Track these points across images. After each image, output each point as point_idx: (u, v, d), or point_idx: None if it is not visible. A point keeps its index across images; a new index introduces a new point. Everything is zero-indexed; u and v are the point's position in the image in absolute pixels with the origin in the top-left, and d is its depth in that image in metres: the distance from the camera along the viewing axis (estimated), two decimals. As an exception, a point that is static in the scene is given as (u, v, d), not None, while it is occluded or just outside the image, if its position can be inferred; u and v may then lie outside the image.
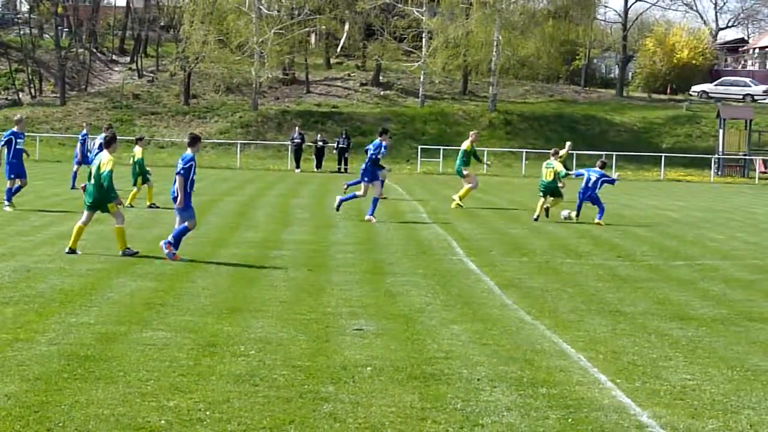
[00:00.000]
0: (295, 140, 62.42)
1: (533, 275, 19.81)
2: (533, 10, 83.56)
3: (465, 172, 35.59)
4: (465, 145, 36.16)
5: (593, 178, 31.09)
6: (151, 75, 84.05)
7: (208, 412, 9.69)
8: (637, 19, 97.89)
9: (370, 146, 30.30)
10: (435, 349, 12.76)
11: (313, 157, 62.84)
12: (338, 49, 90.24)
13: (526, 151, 67.21)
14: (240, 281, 17.84)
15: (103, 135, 26.59)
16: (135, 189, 31.68)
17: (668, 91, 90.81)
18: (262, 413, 9.71)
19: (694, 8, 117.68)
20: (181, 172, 19.73)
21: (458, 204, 35.14)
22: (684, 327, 15.05)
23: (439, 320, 14.81)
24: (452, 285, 18.24)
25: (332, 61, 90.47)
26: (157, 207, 30.79)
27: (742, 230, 30.59)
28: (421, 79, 79.69)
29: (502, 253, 23.00)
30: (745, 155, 68.49)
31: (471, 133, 38.18)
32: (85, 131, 40.85)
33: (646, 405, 10.48)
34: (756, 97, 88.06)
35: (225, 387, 10.60)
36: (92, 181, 20.25)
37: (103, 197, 20.22)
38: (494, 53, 77.18)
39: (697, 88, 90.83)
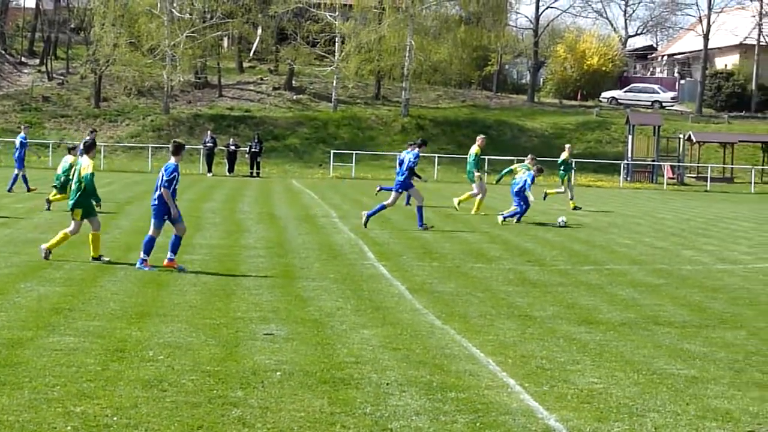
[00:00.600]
0: (207, 144, 62.08)
1: (444, 280, 19.89)
2: (446, 16, 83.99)
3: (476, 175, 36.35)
4: (474, 149, 37.11)
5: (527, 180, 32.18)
6: (62, 77, 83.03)
7: (115, 418, 9.59)
8: (548, 25, 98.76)
9: (405, 156, 30.99)
10: (345, 354, 12.76)
11: (225, 161, 62.53)
12: (251, 53, 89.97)
13: (439, 156, 67.47)
14: (150, 286, 17.70)
15: (86, 139, 27.22)
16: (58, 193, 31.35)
17: (579, 97, 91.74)
18: (170, 419, 9.64)
19: (604, 15, 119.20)
20: (165, 185, 19.56)
21: (455, 207, 36.40)
22: (592, 331, 15.20)
23: (349, 325, 14.81)
24: (363, 289, 18.26)
25: (245, 65, 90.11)
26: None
27: (649, 235, 30.96)
28: (334, 84, 79.69)
29: (413, 258, 23.06)
30: (653, 161, 69.41)
31: (478, 137, 38.59)
32: (23, 134, 41.54)
33: (553, 409, 10.57)
34: (664, 104, 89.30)
35: (133, 392, 10.51)
36: (74, 186, 20.29)
37: (87, 200, 20.24)
38: (407, 58, 77.43)
39: (606, 94, 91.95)
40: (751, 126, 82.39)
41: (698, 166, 71.67)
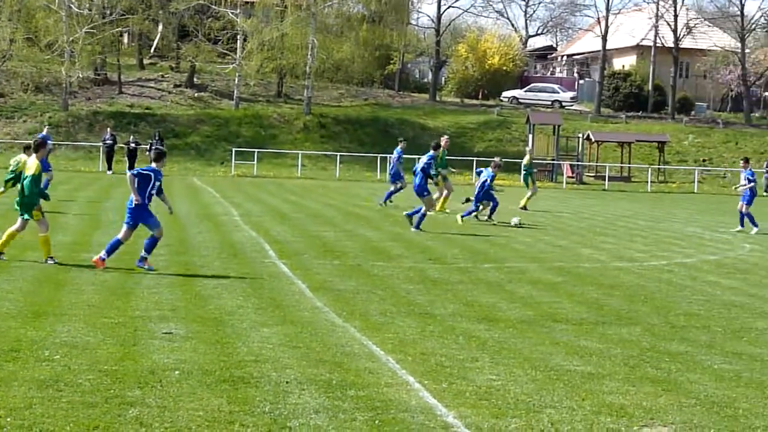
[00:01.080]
0: (107, 141, 61.44)
1: (345, 278, 19.92)
2: (348, 14, 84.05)
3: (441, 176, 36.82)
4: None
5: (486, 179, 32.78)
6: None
7: (9, 419, 9.46)
8: (450, 24, 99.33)
9: (419, 161, 31.70)
10: (245, 353, 12.72)
11: (126, 158, 61.91)
12: (152, 50, 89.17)
13: (341, 155, 67.53)
14: (46, 284, 17.48)
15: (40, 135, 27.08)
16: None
17: (480, 96, 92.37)
18: (65, 419, 9.53)
19: (505, 16, 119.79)
20: (134, 173, 19.89)
21: (442, 211, 36.52)
22: (491, 328, 15.33)
23: (249, 323, 14.77)
24: (264, 288, 18.21)
25: (145, 61, 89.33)
26: None
27: (549, 233, 31.30)
28: (236, 82, 79.32)
29: (314, 256, 23.05)
30: (553, 160, 70.14)
31: (443, 137, 39.06)
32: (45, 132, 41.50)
33: (452, 405, 10.64)
34: (564, 104, 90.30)
35: (28, 393, 10.37)
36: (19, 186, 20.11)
37: (28, 202, 19.89)
38: (309, 56, 77.35)
39: (507, 93, 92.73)
40: (648, 126, 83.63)
41: (597, 165, 72.55)
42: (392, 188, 39.25)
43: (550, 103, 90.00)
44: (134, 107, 77.25)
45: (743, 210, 34.99)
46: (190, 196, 41.78)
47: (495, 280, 20.62)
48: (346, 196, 45.86)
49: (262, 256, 22.90)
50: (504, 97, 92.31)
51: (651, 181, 69.23)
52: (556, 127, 72.00)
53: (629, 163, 73.55)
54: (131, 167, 60.48)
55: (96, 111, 75.75)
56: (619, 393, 11.48)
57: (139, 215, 19.67)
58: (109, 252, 19.72)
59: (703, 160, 77.79)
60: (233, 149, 66.81)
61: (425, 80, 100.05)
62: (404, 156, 39.36)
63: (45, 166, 37.48)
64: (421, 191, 30.69)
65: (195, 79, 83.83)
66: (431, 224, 31.55)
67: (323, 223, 31.27)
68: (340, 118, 79.25)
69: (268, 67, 79.79)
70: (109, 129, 64.29)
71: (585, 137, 73.15)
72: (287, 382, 11.27)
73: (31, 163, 19.83)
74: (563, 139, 73.28)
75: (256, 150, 65.78)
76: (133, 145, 61.61)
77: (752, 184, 35.46)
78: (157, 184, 19.86)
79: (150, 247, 19.76)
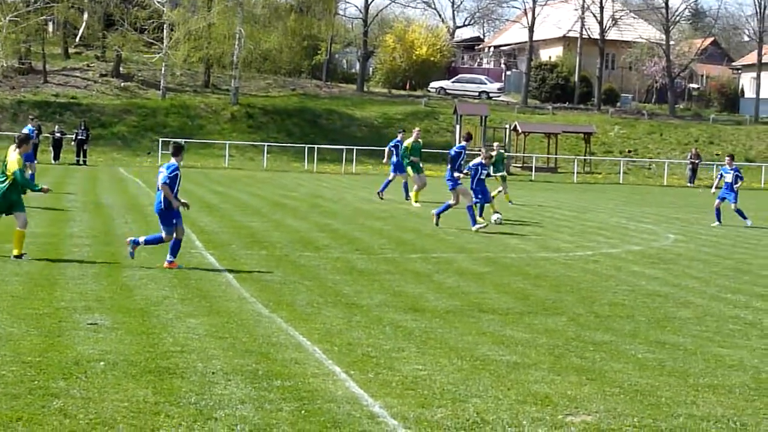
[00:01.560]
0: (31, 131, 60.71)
1: (272, 269, 19.88)
2: (276, 4, 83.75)
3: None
4: (407, 141, 38.00)
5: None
6: None
7: (-70, 412, 9.35)
8: (377, 15, 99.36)
9: (452, 151, 31.19)
10: (171, 343, 12.66)
11: (51, 148, 61.29)
12: (77, 39, 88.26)
13: (268, 145, 67.32)
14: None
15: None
16: None
17: (407, 86, 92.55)
18: (-12, 411, 9.44)
19: (433, 6, 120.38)
20: (167, 181, 19.12)
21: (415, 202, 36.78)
22: (418, 319, 15.38)
23: (175, 314, 14.70)
24: (190, 278, 18.13)
25: (71, 50, 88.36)
26: None
27: (476, 224, 31.38)
28: (163, 71, 78.77)
29: (241, 247, 22.99)
30: (480, 151, 70.35)
31: (414, 130, 39.51)
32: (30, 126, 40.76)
33: (378, 395, 10.66)
34: (491, 95, 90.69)
35: (-50, 385, 10.26)
36: None
37: (13, 197, 19.61)
38: (236, 46, 77.01)
39: (435, 84, 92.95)
40: (574, 117, 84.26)
41: (524, 156, 72.96)
42: (390, 178, 39.40)
43: (477, 94, 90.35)
44: (59, 96, 76.42)
45: (735, 207, 34.63)
46: (117, 187, 41.46)
47: (422, 271, 20.68)
48: (273, 187, 45.74)
49: (189, 246, 22.75)
50: (431, 88, 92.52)
51: (577, 172, 69.76)
52: (483, 117, 72.32)
53: (556, 154, 74.07)
54: (56, 158, 59.98)
55: (20, 100, 74.84)
56: (544, 382, 11.58)
57: (171, 215, 19.31)
58: (174, 253, 19.32)
59: (629, 151, 78.52)
60: (160, 139, 66.26)
61: (353, 71, 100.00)
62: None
63: (30, 159, 37.30)
64: (453, 183, 29.96)
65: (121, 69, 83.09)
66: (364, 214, 31.61)
67: (250, 214, 31.18)
68: (267, 108, 78.98)
69: (195, 57, 79.30)
70: (34, 119, 63.48)
71: (512, 128, 73.56)
72: (213, 373, 11.24)
73: (12, 159, 19.57)
74: (490, 130, 73.59)
75: (183, 140, 65.31)
76: (58, 135, 61.01)
77: (740, 182, 34.99)
78: (178, 175, 19.61)
79: (175, 249, 19.32)
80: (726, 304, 18.19)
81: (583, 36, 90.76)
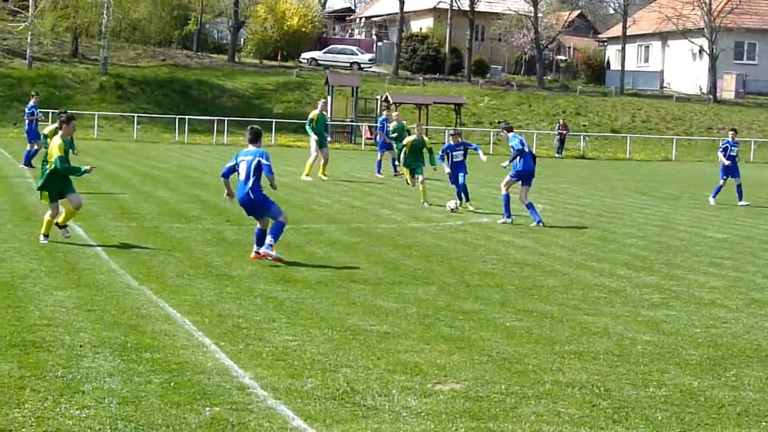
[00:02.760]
0: None
1: (141, 240, 19.69)
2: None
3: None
4: (312, 113, 37.79)
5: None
6: None
7: None
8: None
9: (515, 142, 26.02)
10: (37, 317, 12.49)
11: None
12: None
13: (138, 116, 66.47)
14: None
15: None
16: None
17: (279, 57, 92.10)
18: None
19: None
20: (269, 171, 17.83)
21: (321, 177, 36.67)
22: (288, 289, 15.39)
23: (42, 287, 14.49)
24: (58, 251, 17.88)
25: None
26: None
27: (347, 195, 31.50)
28: (29, 40, 77.15)
29: (110, 219, 22.72)
30: (351, 122, 70.44)
31: (319, 101, 39.85)
32: (32, 102, 39.51)
33: (248, 366, 10.65)
34: (362, 65, 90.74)
35: None
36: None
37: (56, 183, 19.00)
38: (105, 15, 75.77)
39: (306, 55, 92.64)
40: (445, 88, 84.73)
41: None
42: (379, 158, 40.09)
43: (348, 64, 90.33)
44: None
45: (737, 183, 34.64)
46: (-19, 158, 40.58)
47: (293, 242, 20.65)
48: (143, 158, 45.24)
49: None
50: (303, 59, 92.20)
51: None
52: (355, 88, 72.29)
53: (427, 125, 74.42)
54: None
55: None
56: (414, 351, 11.68)
57: (268, 201, 18.11)
58: (276, 237, 17.84)
59: (498, 122, 79.25)
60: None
61: (224, 41, 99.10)
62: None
63: (35, 136, 36.06)
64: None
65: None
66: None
67: (120, 185, 30.81)
68: (137, 78, 77.95)
69: (62, 26, 77.84)
70: (33, 94, 61.99)
71: (383, 99, 73.72)
72: (81, 346, 11.11)
73: (54, 144, 18.89)
74: (362, 101, 73.66)
75: (51, 110, 64.15)
76: None
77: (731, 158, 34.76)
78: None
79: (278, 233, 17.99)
80: (591, 273, 18.53)
81: (453, 7, 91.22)
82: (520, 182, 25.72)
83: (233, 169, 18.04)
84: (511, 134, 26.27)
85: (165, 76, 79.32)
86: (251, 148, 18.08)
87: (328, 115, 69.02)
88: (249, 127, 18.59)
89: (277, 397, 9.61)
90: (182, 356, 10.92)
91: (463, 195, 29.17)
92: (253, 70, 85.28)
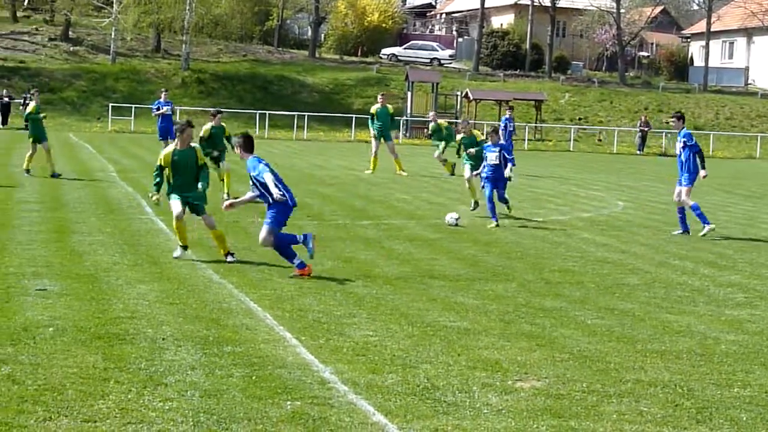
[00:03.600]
0: (-21, 95, 60.15)
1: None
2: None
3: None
4: (373, 108, 37.44)
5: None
6: None
7: None
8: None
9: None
10: (120, 309, 12.61)
11: (-2, 113, 60.76)
12: (25, 3, 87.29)
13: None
14: None
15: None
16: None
17: (359, 53, 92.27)
18: (-64, 377, 9.36)
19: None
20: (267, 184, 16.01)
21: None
22: (369, 285, 15.39)
23: (125, 280, 14.64)
24: (141, 244, 18.06)
25: (19, 14, 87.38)
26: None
27: (426, 191, 31.47)
28: (113, 36, 78.03)
29: (190, 213, 22.83)
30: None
31: (379, 96, 38.79)
32: (161, 99, 39.46)
33: (329, 361, 10.67)
34: (442, 62, 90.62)
35: None
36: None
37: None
38: (187, 11, 76.41)
39: (387, 51, 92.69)
40: (525, 84, 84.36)
41: (474, 123, 72.91)
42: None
43: (428, 60, 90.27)
44: (7, 61, 75.56)
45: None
46: (66, 152, 41.10)
47: (373, 237, 20.69)
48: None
49: (139, 212, 22.69)
50: (383, 55, 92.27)
51: (528, 139, 69.87)
52: (435, 84, 72.22)
53: (507, 122, 74.13)
54: (4, 122, 59.43)
55: (-33, 64, 74.00)
56: (494, 348, 11.63)
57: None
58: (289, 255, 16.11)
59: (579, 119, 78.78)
60: (110, 105, 65.82)
61: (305, 37, 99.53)
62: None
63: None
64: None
65: (70, 33, 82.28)
66: (314, 180, 31.55)
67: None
68: (218, 74, 78.53)
69: (146, 22, 78.69)
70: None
71: (463, 95, 73.57)
72: (163, 339, 11.21)
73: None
74: (442, 97, 73.57)
75: (133, 105, 64.85)
76: (6, 99, 60.45)
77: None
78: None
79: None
80: (674, 271, 18.33)
81: (535, 3, 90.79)
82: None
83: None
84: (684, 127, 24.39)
85: (246, 72, 79.81)
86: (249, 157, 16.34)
87: (408, 111, 69.13)
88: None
89: (358, 392, 9.62)
90: (263, 350, 10.97)
91: (504, 205, 25.10)
92: (333, 66, 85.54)
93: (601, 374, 10.72)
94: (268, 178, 15.89)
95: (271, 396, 9.32)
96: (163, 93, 40.78)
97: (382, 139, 36.79)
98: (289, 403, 9.13)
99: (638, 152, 67.60)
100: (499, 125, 40.49)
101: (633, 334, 12.82)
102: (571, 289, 16.07)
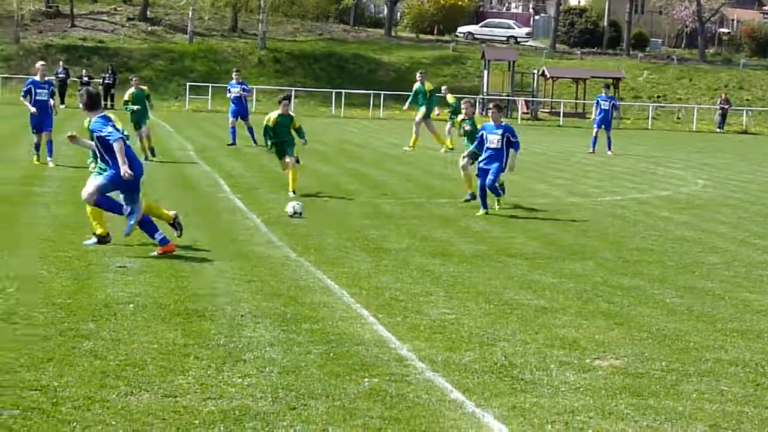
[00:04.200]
0: (60, 75, 60.83)
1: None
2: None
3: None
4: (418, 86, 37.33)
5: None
6: None
7: (-39, 352, 9.43)
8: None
9: None
10: (199, 286, 12.71)
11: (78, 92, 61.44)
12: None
13: (295, 90, 67.16)
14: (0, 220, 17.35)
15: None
16: None
17: (435, 31, 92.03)
18: (20, 351, 9.49)
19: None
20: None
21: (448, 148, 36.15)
22: (445, 263, 15.37)
23: (203, 257, 14.74)
24: (218, 222, 18.20)
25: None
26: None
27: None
28: (190, 15, 78.54)
29: (268, 191, 23.02)
30: (508, 96, 70.05)
31: (419, 73, 38.50)
32: (234, 80, 37.60)
33: (406, 339, 10.69)
34: (519, 40, 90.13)
35: (-19, 326, 10.33)
36: None
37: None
38: (264, -10, 76.68)
39: (463, 29, 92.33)
40: (602, 62, 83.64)
41: (551, 101, 72.57)
42: None
43: (505, 38, 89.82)
44: (87, 41, 76.37)
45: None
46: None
47: (449, 216, 20.66)
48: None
49: (217, 190, 22.86)
50: (459, 33, 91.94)
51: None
52: (511, 63, 71.86)
53: (584, 99, 73.63)
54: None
55: (48, 44, 74.86)
56: (571, 326, 11.58)
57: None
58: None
59: (657, 97, 77.97)
60: (187, 84, 66.29)
61: (381, 15, 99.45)
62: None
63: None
64: None
65: (148, 13, 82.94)
66: (391, 158, 31.56)
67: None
68: (294, 53, 78.77)
69: (223, 1, 79.06)
70: (61, 62, 63.66)
71: (540, 73, 73.14)
72: (242, 316, 11.28)
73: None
74: (518, 75, 73.22)
75: (210, 85, 65.25)
76: (85, 79, 61.10)
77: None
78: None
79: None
80: (754, 249, 18.12)
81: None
82: None
83: None
84: None
85: (322, 51, 79.98)
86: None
87: (484, 90, 68.88)
88: None
89: (435, 369, 9.62)
90: (341, 327, 11.01)
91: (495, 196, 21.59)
92: (409, 45, 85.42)
93: (681, 353, 10.63)
94: (118, 149, 14.51)
95: (348, 373, 9.35)
96: (235, 73, 39.39)
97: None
98: (366, 379, 9.16)
99: (718, 130, 66.82)
100: (594, 103, 40.52)
101: (713, 313, 12.69)
102: (650, 267, 15.94)
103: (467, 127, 23.35)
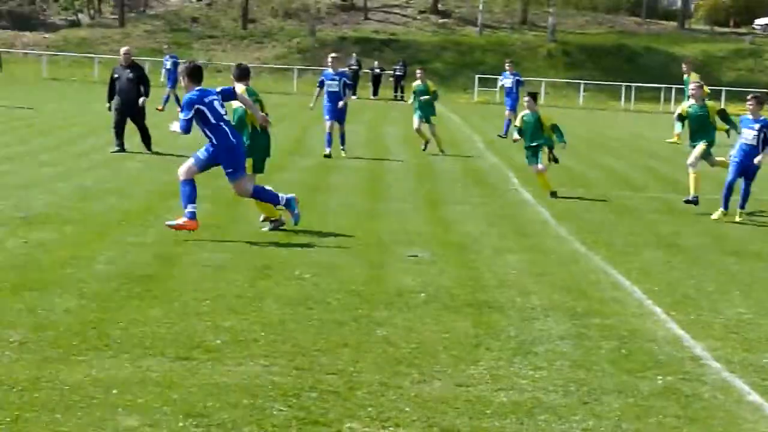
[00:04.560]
0: (352, 67, 62.28)
1: (589, 207, 19.72)
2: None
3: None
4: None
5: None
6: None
7: (263, 333, 9.76)
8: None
9: None
10: (489, 278, 12.76)
11: (370, 84, 62.74)
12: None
13: (584, 83, 66.63)
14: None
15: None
16: None
17: (731, 23, 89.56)
18: (317, 335, 9.77)
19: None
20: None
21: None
22: (740, 262, 14.93)
23: (493, 249, 14.79)
24: (508, 215, 18.21)
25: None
26: None
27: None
28: (480, 8, 79.03)
29: (558, 185, 22.86)
30: (807, 91, 67.51)
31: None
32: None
33: (700, 338, 10.43)
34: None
35: (280, 309, 10.66)
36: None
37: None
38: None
39: (761, 21, 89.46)
40: None
41: None
42: None
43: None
44: (379, 33, 77.95)
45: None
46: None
47: (748, 213, 19.95)
48: (590, 125, 45.30)
49: (506, 183, 22.89)
50: (757, 25, 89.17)
51: None
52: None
53: None
54: (375, 93, 61.37)
55: (342, 37, 76.76)
56: None
57: None
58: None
59: None
60: (476, 76, 66.69)
61: (674, 7, 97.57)
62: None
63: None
64: None
65: (439, 6, 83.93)
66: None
67: (566, 153, 30.93)
68: (584, 46, 78.14)
69: (513, -6, 79.29)
70: (354, 54, 65.17)
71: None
72: (532, 309, 11.26)
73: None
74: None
75: (498, 77, 65.40)
76: (377, 71, 62.37)
77: None
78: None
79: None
80: None
81: None
82: None
83: None
84: None
85: (612, 44, 79.04)
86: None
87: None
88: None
89: (731, 370, 9.36)
90: (632, 324, 10.84)
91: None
92: (703, 37, 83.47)
93: None
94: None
95: (641, 370, 9.21)
96: (507, 63, 40.20)
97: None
98: (660, 377, 8.99)
99: None
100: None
101: None
102: None
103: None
